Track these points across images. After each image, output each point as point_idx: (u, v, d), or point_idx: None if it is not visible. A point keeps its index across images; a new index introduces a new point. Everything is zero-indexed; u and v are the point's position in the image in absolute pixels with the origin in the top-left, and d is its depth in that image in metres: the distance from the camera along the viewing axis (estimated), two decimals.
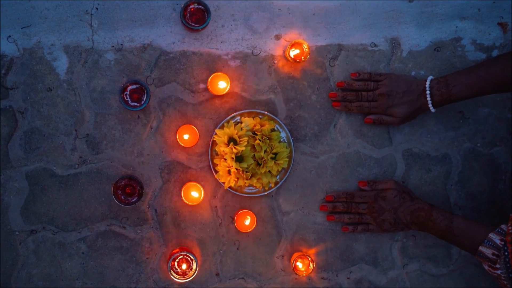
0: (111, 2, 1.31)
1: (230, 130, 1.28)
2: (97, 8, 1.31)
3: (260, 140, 1.28)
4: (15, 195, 1.31)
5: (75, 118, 1.31)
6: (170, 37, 1.33)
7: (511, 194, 1.40)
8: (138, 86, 1.25)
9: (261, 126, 1.31)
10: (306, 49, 1.31)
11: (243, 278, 1.36)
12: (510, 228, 1.13)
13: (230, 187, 1.33)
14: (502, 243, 1.13)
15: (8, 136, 1.30)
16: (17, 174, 1.31)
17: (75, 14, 1.30)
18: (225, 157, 1.28)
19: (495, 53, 1.39)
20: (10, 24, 1.29)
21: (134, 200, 1.26)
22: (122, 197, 1.26)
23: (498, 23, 1.39)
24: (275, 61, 1.35)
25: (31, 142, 1.31)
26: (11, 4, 1.29)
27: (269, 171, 1.31)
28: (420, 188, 1.39)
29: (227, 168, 1.29)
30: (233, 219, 1.35)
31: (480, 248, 1.16)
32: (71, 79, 1.31)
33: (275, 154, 1.31)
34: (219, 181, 1.32)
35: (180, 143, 1.31)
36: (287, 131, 1.34)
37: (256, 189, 1.34)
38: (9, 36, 1.29)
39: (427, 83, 1.28)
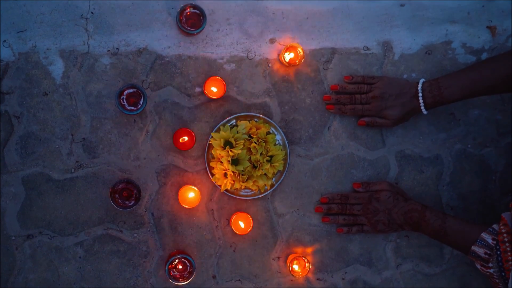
0: (107, 7, 1.31)
1: (226, 133, 1.29)
2: (92, 13, 1.31)
3: (256, 143, 1.29)
4: (11, 200, 1.30)
5: (71, 123, 1.31)
6: (166, 41, 1.33)
7: (502, 194, 1.43)
8: (134, 90, 1.25)
9: (257, 129, 1.31)
10: (301, 53, 1.32)
11: (239, 280, 1.37)
12: (501, 227, 1.14)
13: (226, 190, 1.33)
14: (494, 242, 1.15)
15: (4, 141, 1.29)
16: (13, 179, 1.30)
17: (71, 18, 1.30)
18: (221, 160, 1.29)
19: (484, 56, 1.42)
20: (6, 29, 1.28)
21: (131, 204, 1.26)
22: (120, 201, 1.26)
23: (487, 27, 1.41)
24: (270, 65, 1.37)
25: (27, 147, 1.30)
26: (6, 8, 1.28)
27: (265, 174, 1.32)
28: (412, 189, 1.41)
29: (223, 171, 1.29)
30: (229, 221, 1.35)
31: (473, 247, 1.18)
32: (67, 84, 1.31)
33: (271, 156, 1.32)
34: (216, 184, 1.33)
35: (176, 147, 1.32)
36: (282, 134, 1.35)
37: (252, 192, 1.35)
38: (5, 40, 1.29)
39: (419, 85, 1.29)
